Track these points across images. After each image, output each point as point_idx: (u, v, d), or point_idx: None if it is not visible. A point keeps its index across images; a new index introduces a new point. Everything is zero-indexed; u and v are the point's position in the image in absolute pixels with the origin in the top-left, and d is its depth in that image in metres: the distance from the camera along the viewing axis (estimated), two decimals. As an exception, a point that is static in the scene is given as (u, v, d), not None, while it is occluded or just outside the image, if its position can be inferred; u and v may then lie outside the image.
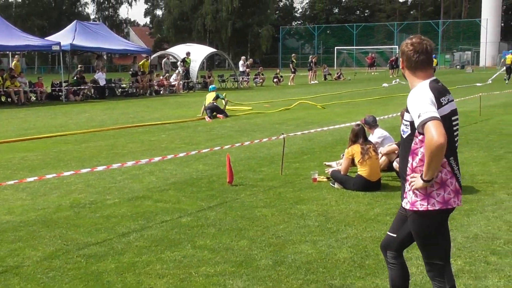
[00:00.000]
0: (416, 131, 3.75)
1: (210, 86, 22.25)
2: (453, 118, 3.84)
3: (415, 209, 3.83)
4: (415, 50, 3.86)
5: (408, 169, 3.87)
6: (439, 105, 3.70)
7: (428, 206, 3.78)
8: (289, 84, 39.60)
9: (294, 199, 8.02)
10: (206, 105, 19.36)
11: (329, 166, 9.98)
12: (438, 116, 3.58)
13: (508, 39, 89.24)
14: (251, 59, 47.55)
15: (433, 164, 3.61)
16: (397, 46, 68.61)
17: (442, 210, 3.80)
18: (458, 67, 70.98)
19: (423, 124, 3.59)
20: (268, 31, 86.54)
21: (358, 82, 40.23)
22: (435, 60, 47.69)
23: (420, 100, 3.68)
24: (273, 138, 10.63)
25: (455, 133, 3.87)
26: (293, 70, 41.17)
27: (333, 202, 7.84)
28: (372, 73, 57.54)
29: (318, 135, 13.67)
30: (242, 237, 6.34)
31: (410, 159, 3.84)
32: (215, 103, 19.36)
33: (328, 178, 9.11)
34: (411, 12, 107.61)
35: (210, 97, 19.54)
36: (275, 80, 40.39)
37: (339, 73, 47.26)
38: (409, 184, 3.84)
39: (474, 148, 12.01)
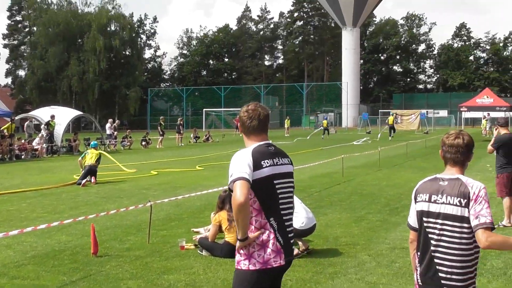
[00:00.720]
0: None
1: (92, 142, 20.66)
2: (276, 181, 4.06)
3: (239, 267, 4.03)
4: (249, 116, 4.19)
5: None
6: (258, 168, 3.96)
7: (250, 265, 3.97)
8: (157, 147, 39.40)
9: (162, 269, 7.88)
10: (85, 165, 18.17)
11: (197, 232, 9.95)
12: (247, 177, 3.85)
13: (366, 101, 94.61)
14: (118, 121, 47.01)
15: (239, 222, 3.86)
16: (264, 108, 70.47)
17: (262, 270, 3.97)
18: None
19: (232, 183, 3.86)
20: (136, 92, 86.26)
21: (226, 144, 40.72)
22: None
23: (236, 162, 3.97)
24: (140, 206, 10.45)
25: (280, 196, 4.08)
26: (161, 132, 41.06)
27: (201, 271, 7.78)
28: (240, 135, 58.50)
29: (186, 201, 13.60)
30: (106, 313, 6.12)
31: None
32: (95, 166, 18.28)
33: (196, 245, 9.05)
34: (277, 75, 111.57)
35: (93, 156, 18.33)
36: (143, 143, 40.08)
37: (207, 135, 47.69)
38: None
39: (337, 210, 12.44)
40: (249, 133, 4.23)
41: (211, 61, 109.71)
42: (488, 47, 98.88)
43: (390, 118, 49.91)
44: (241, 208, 3.80)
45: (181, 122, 44.58)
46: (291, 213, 4.21)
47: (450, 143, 4.02)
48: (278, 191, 4.06)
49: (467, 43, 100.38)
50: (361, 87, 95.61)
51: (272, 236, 3.99)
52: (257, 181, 3.94)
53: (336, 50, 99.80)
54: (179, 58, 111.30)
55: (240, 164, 3.94)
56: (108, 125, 39.39)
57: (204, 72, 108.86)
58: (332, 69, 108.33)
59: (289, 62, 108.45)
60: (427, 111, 67.90)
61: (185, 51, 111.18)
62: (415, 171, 20.24)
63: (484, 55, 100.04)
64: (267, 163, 4.02)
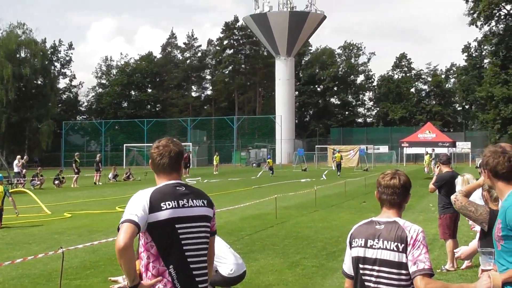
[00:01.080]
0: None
1: None
2: (179, 225, 4.04)
3: None
4: (159, 153, 4.20)
5: None
6: (155, 210, 3.96)
7: None
8: (72, 186, 38.66)
9: (74, 324, 7.70)
10: None
11: (115, 281, 9.73)
12: (135, 220, 3.86)
13: (302, 136, 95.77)
14: (27, 157, 45.97)
15: (122, 267, 3.89)
16: (190, 143, 70.55)
17: None
18: (254, 165, 73.30)
19: (120, 225, 3.88)
20: (49, 126, 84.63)
21: (149, 182, 40.10)
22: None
23: (131, 203, 4.00)
24: (51, 253, 10.20)
25: (183, 242, 4.06)
26: (76, 170, 40.34)
27: (119, 325, 7.63)
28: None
29: (103, 246, 13.33)
30: None
31: None
32: (1, 208, 17.54)
33: (113, 296, 8.88)
34: (205, 107, 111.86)
35: None
36: (56, 182, 39.23)
37: (128, 173, 47.18)
38: None
39: (270, 255, 12.46)
40: (159, 171, 4.22)
41: (132, 92, 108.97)
42: (429, 79, 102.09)
43: (338, 155, 51.89)
44: (121, 253, 3.81)
45: (100, 159, 44.04)
46: (203, 261, 4.18)
47: (386, 184, 4.10)
48: (182, 237, 4.03)
49: (407, 74, 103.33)
50: (296, 121, 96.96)
51: (169, 285, 4.00)
52: (153, 224, 3.95)
53: (269, 80, 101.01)
54: (97, 88, 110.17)
55: (134, 205, 3.95)
56: (16, 162, 38.48)
57: (125, 104, 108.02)
58: (265, 101, 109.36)
59: (218, 94, 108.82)
60: (366, 147, 69.31)
61: (104, 81, 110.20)
62: (354, 211, 20.54)
63: (425, 87, 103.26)
64: (168, 205, 4.01)
